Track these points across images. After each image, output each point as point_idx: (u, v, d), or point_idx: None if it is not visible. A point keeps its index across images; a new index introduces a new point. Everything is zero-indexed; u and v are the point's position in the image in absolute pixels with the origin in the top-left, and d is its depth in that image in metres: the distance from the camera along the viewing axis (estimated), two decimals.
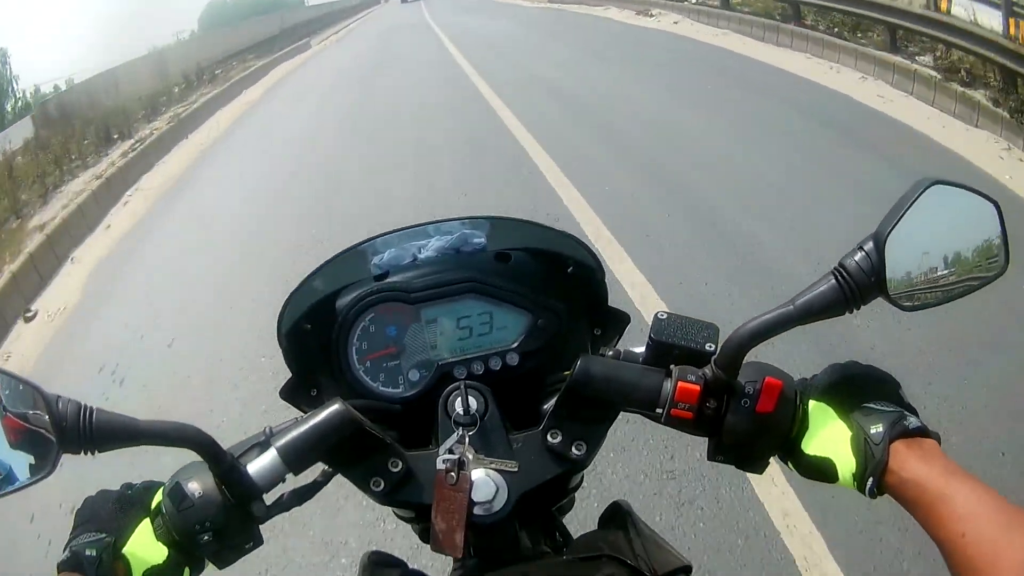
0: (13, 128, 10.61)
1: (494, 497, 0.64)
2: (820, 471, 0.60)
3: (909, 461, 0.55)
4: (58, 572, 0.58)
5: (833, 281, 0.58)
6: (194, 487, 0.61)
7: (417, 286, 0.75)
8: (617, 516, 0.74)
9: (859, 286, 0.57)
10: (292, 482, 0.65)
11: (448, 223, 0.79)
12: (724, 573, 2.00)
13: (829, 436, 0.60)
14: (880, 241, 0.57)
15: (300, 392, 0.78)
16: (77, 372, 3.72)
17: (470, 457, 0.64)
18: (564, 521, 0.80)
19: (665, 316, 0.66)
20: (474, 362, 0.74)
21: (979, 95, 5.56)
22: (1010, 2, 5.50)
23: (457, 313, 0.75)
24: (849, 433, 0.59)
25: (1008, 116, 5.07)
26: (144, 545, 0.62)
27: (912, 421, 0.57)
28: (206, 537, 0.61)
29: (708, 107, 6.54)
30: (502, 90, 8.28)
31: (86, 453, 0.56)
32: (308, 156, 7.04)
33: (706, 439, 0.64)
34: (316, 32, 27.27)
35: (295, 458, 0.63)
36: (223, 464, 0.61)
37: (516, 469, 0.65)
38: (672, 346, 0.64)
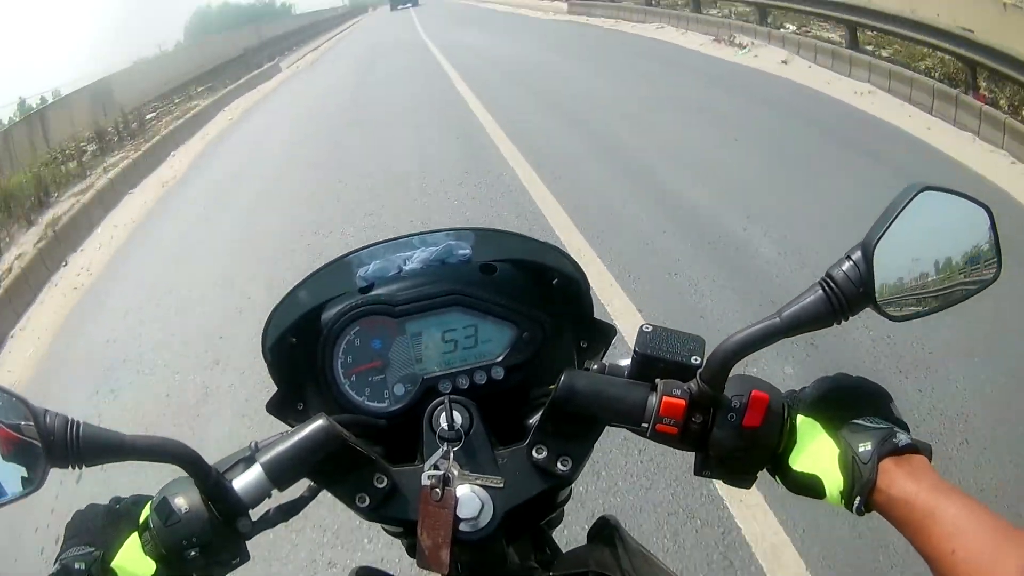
0: None
1: (479, 513, 0.65)
2: (807, 487, 0.61)
3: (897, 479, 0.56)
4: None
5: (820, 292, 0.59)
6: (180, 502, 0.63)
7: (402, 299, 0.77)
8: (605, 531, 0.79)
9: (847, 297, 0.58)
10: (278, 497, 0.67)
11: (433, 235, 0.82)
12: None
13: (817, 453, 0.61)
14: (868, 250, 0.58)
15: (286, 406, 0.80)
16: None
17: (455, 473, 0.66)
18: (555, 533, 0.84)
19: (650, 329, 0.67)
20: (459, 376, 0.76)
21: None
22: None
23: (442, 326, 0.77)
24: (837, 450, 0.60)
25: None
26: (132, 560, 0.64)
27: (902, 438, 0.58)
28: (193, 553, 0.63)
29: None
30: (567, 191, 5.41)
31: (73, 467, 0.58)
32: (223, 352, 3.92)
33: (693, 453, 0.64)
34: (291, 49, 25.07)
35: (280, 474, 0.65)
36: (208, 480, 0.63)
37: (502, 485, 0.66)
38: (657, 360, 0.66)
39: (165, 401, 3.44)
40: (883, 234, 0.58)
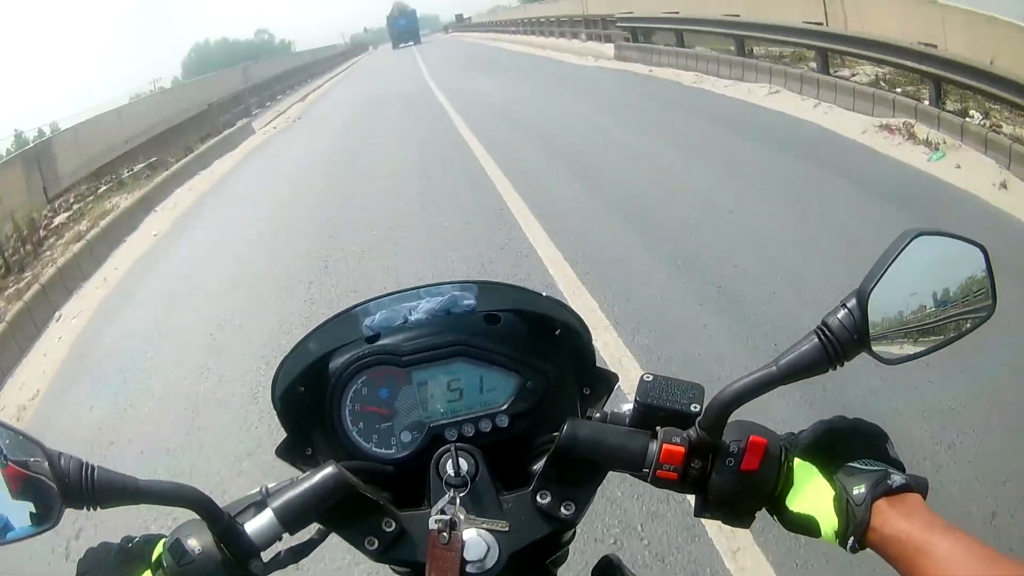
0: None
1: (486, 556, 0.71)
2: (803, 527, 0.67)
3: (891, 518, 0.61)
4: None
5: (816, 340, 0.65)
6: (194, 544, 0.68)
7: (407, 349, 0.83)
8: (608, 570, 0.84)
9: (842, 343, 0.64)
10: (288, 540, 0.73)
11: (439, 286, 0.88)
12: None
13: (812, 495, 0.67)
14: (863, 298, 0.63)
15: (295, 451, 0.86)
16: None
17: (461, 517, 0.72)
18: (560, 571, 0.86)
19: (651, 378, 0.73)
20: (465, 424, 0.81)
21: None
22: None
23: (447, 376, 0.83)
24: (832, 493, 0.65)
25: None
26: None
27: (896, 479, 0.63)
28: None
29: None
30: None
31: (88, 509, 0.63)
32: None
33: (694, 495, 0.71)
34: (277, 97, 22.23)
35: (291, 519, 0.70)
36: (221, 523, 0.69)
37: (507, 529, 0.72)
38: (657, 408, 0.71)
39: None
40: (878, 281, 0.63)
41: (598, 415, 0.78)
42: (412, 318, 0.86)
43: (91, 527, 2.68)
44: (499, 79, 16.52)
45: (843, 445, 0.67)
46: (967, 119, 6.72)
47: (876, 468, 0.64)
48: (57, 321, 5.94)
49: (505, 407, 0.81)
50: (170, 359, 4.61)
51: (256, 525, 0.69)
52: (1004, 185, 5.39)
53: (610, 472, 0.72)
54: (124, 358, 4.79)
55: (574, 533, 0.80)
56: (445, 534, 0.69)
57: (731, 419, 0.67)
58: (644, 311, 4.06)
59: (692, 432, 0.67)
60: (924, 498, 0.63)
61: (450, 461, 0.74)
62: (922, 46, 7.33)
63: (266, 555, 0.70)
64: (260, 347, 4.38)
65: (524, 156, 8.34)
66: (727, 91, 10.31)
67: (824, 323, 0.64)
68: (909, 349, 0.65)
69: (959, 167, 5.86)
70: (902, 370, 0.68)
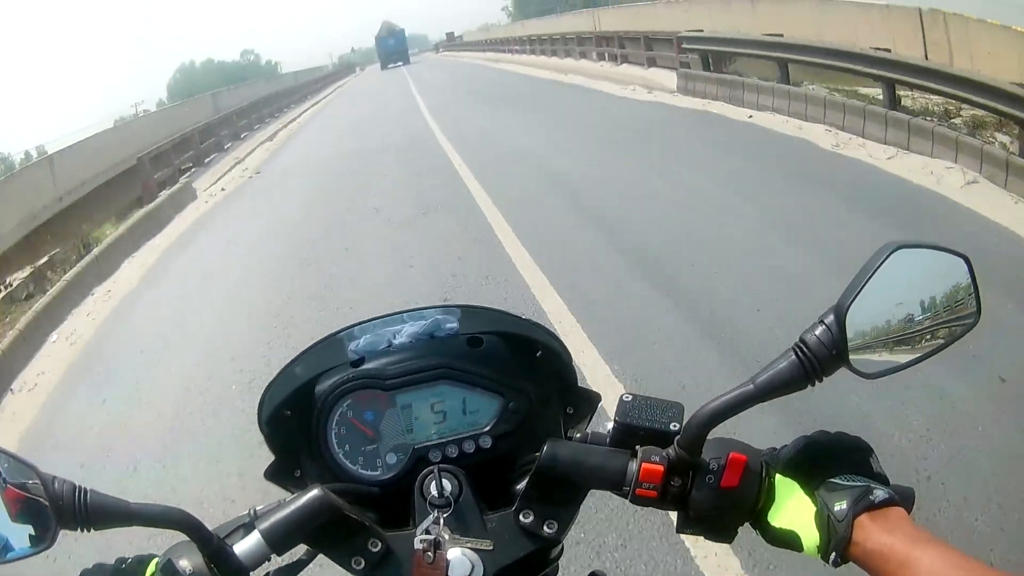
0: None
1: (470, 574, 0.75)
2: (786, 542, 0.71)
3: (873, 533, 0.63)
4: None
5: (793, 357, 0.67)
6: (185, 565, 0.73)
7: (391, 373, 0.87)
8: None
9: (819, 360, 0.66)
10: (276, 560, 0.78)
11: (422, 310, 0.94)
12: None
13: (794, 510, 0.70)
14: (840, 313, 0.65)
15: (283, 473, 0.91)
16: None
17: (446, 537, 0.76)
18: None
19: (630, 398, 0.77)
20: (448, 445, 0.86)
21: None
22: None
23: (431, 398, 0.87)
24: (813, 508, 0.69)
25: None
26: None
27: (878, 494, 0.66)
28: None
29: None
30: None
31: (82, 530, 0.68)
32: None
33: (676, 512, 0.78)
34: (242, 135, 18.39)
35: (278, 540, 0.74)
36: (211, 545, 0.74)
37: (491, 547, 0.77)
38: (637, 428, 0.75)
39: None
40: (856, 296, 0.65)
41: (579, 435, 0.83)
42: (396, 342, 0.90)
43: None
44: (525, 121, 12.91)
45: (824, 461, 0.70)
46: None
47: (858, 484, 0.67)
48: None
49: (488, 428, 0.86)
50: None
51: (245, 547, 0.74)
52: None
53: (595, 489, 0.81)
54: None
55: (561, 549, 0.84)
56: (430, 554, 0.73)
57: (713, 436, 0.71)
58: None
59: (671, 451, 0.71)
60: (910, 510, 0.66)
61: (434, 482, 0.79)
62: None
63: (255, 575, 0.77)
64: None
65: (631, 308, 4.69)
66: (896, 168, 7.03)
67: (801, 340, 0.67)
68: (890, 362, 0.68)
69: None
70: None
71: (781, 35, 10.62)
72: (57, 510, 0.65)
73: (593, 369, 3.93)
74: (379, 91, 28.24)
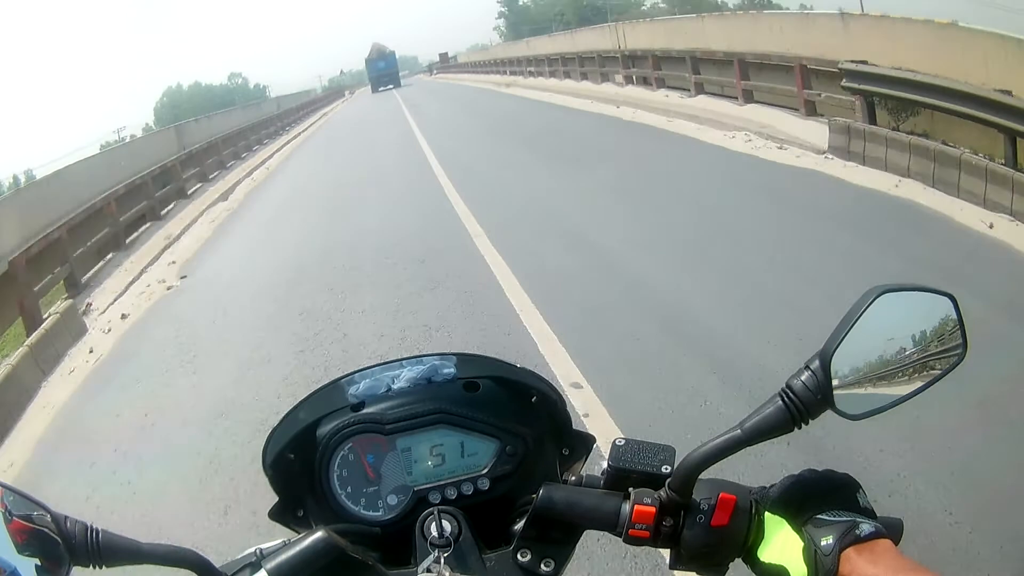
0: None
1: None
2: None
3: (859, 565, 0.66)
4: None
5: (780, 403, 0.70)
6: None
7: (391, 417, 0.90)
8: None
9: (805, 404, 0.69)
10: None
11: (420, 357, 0.97)
12: None
13: (782, 546, 0.73)
14: (826, 358, 0.68)
15: (287, 514, 0.94)
16: None
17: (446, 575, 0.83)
18: None
19: (623, 443, 0.80)
20: (448, 487, 0.89)
21: None
22: None
23: (430, 442, 0.90)
24: (801, 544, 0.71)
25: None
26: None
27: (864, 528, 0.69)
28: None
29: None
30: None
31: (94, 567, 0.71)
32: None
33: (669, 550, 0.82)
34: (197, 186, 14.87)
35: None
36: None
37: None
38: (629, 471, 0.78)
39: None
40: (841, 341, 0.67)
41: (574, 478, 0.86)
42: (395, 387, 0.93)
43: None
44: (609, 203, 7.58)
45: (812, 497, 0.72)
46: None
47: (844, 519, 0.69)
48: None
49: (486, 471, 0.89)
50: None
51: None
52: None
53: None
54: None
55: None
56: None
57: (704, 477, 0.74)
58: None
59: (663, 492, 0.74)
60: (898, 540, 0.69)
61: (434, 523, 0.81)
62: None
63: None
64: None
65: None
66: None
67: (788, 386, 0.70)
68: (876, 403, 0.70)
69: None
70: None
71: (1010, 91, 6.16)
72: (70, 548, 0.67)
73: None
74: (371, 123, 24.07)
